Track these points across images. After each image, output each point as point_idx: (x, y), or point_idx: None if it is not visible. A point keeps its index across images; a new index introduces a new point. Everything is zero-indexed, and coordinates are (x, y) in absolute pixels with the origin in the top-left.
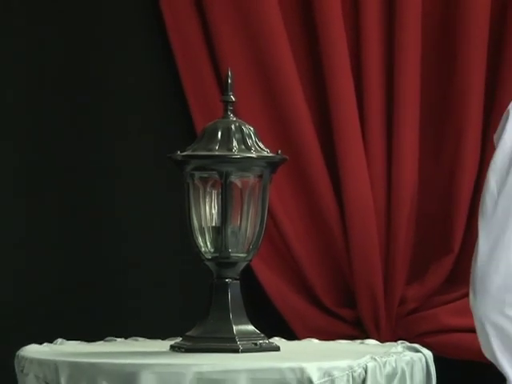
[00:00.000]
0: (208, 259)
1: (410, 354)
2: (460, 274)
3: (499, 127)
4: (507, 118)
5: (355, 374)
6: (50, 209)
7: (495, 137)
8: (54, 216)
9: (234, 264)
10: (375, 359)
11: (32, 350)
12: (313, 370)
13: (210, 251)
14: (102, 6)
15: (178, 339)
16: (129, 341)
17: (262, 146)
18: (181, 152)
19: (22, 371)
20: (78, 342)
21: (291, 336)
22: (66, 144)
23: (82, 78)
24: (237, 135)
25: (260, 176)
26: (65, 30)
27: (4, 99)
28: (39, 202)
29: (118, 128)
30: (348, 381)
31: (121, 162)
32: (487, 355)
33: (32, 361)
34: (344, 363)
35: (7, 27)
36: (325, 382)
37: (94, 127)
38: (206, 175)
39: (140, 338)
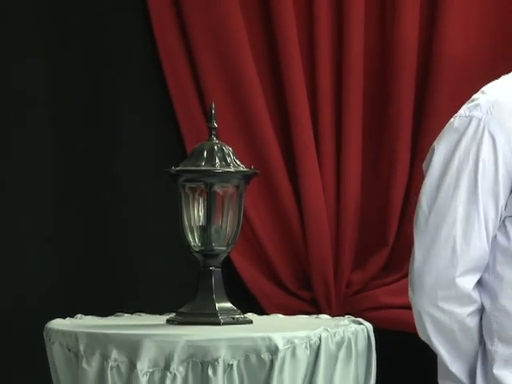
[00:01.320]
0: (196, 251)
1: (354, 326)
2: (394, 263)
3: (427, 159)
4: (433, 153)
5: (312, 342)
6: (71, 213)
7: (424, 166)
8: (71, 216)
9: (216, 255)
10: (327, 330)
11: (57, 323)
12: (278, 338)
13: (197, 245)
14: (108, 57)
15: (173, 314)
16: (134, 316)
17: (238, 162)
18: (175, 167)
19: (49, 340)
20: (94, 316)
21: (261, 312)
22: (84, 166)
23: (95, 121)
24: (219, 154)
25: (237, 186)
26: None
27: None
28: (64, 208)
29: (130, 151)
30: (306, 347)
31: (130, 177)
32: (423, 337)
33: (57, 332)
34: (303, 333)
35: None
36: (287, 348)
37: (110, 153)
38: (194, 185)
39: (143, 314)
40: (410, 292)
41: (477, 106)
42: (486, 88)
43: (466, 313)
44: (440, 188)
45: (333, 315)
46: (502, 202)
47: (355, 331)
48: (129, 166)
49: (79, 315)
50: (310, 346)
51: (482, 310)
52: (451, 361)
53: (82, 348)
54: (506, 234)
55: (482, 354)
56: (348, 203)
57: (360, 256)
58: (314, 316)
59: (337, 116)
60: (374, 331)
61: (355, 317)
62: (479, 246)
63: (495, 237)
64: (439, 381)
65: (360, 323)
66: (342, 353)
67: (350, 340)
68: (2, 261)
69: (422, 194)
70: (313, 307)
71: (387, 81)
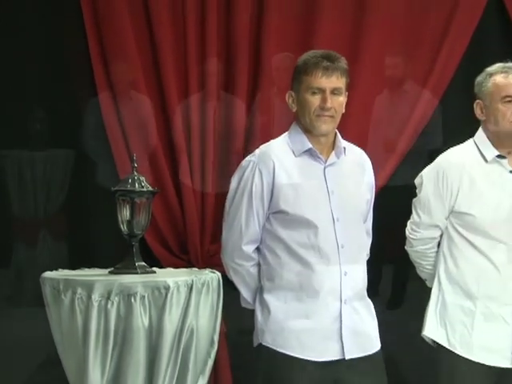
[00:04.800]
0: (125, 234)
1: (211, 274)
2: None
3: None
4: (232, 179)
5: (188, 283)
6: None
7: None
8: (59, 217)
9: (136, 236)
10: (196, 276)
11: (48, 274)
12: (170, 281)
13: (126, 231)
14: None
15: (112, 269)
16: (91, 269)
17: (148, 185)
18: (113, 188)
19: (43, 283)
20: (68, 270)
21: (161, 267)
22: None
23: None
24: (137, 180)
25: (148, 198)
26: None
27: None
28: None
29: (95, 180)
30: (185, 286)
31: (94, 192)
32: (230, 278)
33: (47, 279)
34: (183, 278)
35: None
36: (175, 286)
37: (86, 181)
38: (124, 198)
39: (96, 268)
40: (221, 253)
41: (254, 154)
42: (261, 146)
43: (249, 265)
44: (234, 198)
45: (199, 268)
46: (266, 206)
47: (211, 277)
48: (94, 187)
49: (60, 269)
50: (187, 285)
51: (259, 264)
52: (244, 291)
53: (61, 287)
54: (270, 223)
55: (260, 288)
56: (208, 204)
57: (215, 235)
58: (189, 269)
59: (201, 155)
60: (222, 277)
61: (212, 269)
62: (254, 229)
63: (264, 225)
64: (241, 303)
65: (214, 272)
66: (204, 289)
67: (208, 282)
68: None
69: (226, 200)
70: (189, 264)
71: (232, 143)
